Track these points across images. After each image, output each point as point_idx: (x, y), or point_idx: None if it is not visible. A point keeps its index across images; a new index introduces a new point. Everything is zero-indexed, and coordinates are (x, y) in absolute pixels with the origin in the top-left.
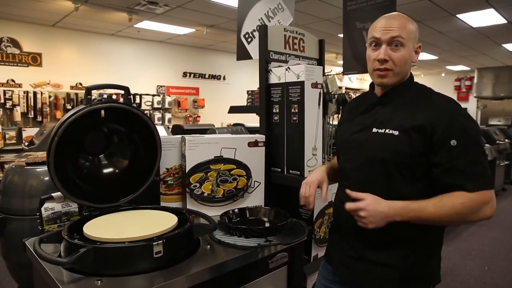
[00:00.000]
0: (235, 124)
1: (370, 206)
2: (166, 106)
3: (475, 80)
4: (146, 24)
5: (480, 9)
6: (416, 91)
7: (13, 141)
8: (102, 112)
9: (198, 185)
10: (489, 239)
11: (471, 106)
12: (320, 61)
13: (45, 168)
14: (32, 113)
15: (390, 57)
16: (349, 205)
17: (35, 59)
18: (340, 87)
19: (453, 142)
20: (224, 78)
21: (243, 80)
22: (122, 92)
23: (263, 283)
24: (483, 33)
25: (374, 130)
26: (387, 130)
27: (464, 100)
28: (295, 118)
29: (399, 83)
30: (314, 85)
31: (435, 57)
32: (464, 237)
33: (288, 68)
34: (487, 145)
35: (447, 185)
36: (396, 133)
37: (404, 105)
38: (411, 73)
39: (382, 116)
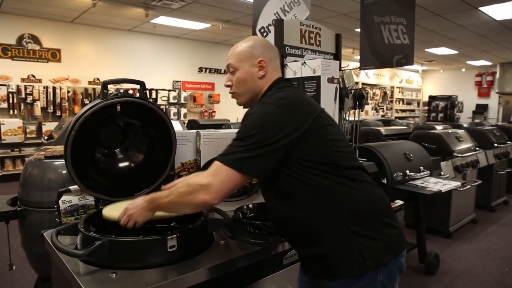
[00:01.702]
0: None
1: (129, 205)
2: (182, 101)
3: (497, 75)
4: (162, 20)
5: (504, 1)
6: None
7: (33, 135)
8: (118, 106)
9: None
10: (509, 239)
11: (492, 103)
12: (337, 56)
13: (63, 161)
14: (52, 107)
15: (232, 81)
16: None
17: (54, 55)
18: (357, 83)
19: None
20: None
21: None
22: (138, 87)
23: (277, 279)
24: (507, 26)
25: None
26: None
27: (485, 96)
28: None
29: (253, 100)
30: (331, 80)
31: (455, 52)
32: (484, 236)
33: (304, 62)
34: (509, 142)
35: None
36: None
37: None
38: (271, 86)
39: None
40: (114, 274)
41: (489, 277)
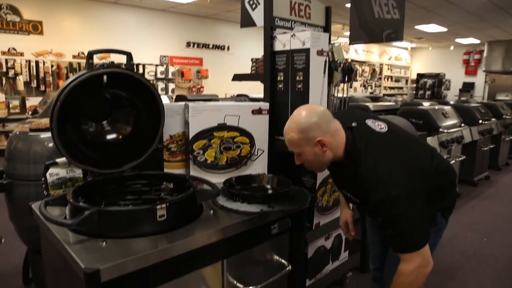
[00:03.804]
0: (239, 95)
1: None
2: (170, 76)
3: (485, 54)
4: None
5: None
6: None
7: (17, 110)
8: (105, 77)
9: (201, 152)
10: (490, 213)
11: (479, 81)
12: (327, 29)
13: (48, 134)
14: (35, 82)
15: (302, 161)
16: None
17: (35, 27)
18: (346, 59)
19: None
20: (228, 49)
21: (247, 51)
22: (124, 59)
23: (266, 248)
24: (496, 3)
25: None
26: None
27: (472, 74)
28: (299, 86)
29: (334, 161)
30: (320, 53)
31: (444, 29)
32: (465, 210)
33: (294, 34)
34: (493, 119)
35: None
36: None
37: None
38: (346, 145)
39: None
40: (104, 243)
41: (469, 248)
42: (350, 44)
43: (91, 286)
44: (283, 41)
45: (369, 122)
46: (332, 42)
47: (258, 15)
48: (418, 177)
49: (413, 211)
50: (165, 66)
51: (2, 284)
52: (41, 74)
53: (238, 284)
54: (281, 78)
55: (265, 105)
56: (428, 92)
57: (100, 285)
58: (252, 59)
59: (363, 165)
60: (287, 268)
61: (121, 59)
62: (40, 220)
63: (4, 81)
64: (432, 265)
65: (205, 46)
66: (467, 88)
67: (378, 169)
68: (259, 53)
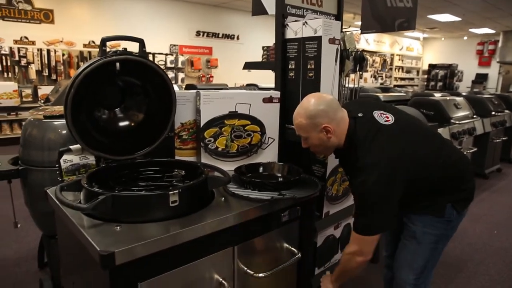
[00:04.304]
0: (249, 85)
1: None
2: (179, 65)
3: (500, 44)
4: None
5: None
6: None
7: (29, 99)
8: (117, 64)
9: (212, 140)
10: (501, 205)
11: (492, 72)
12: (338, 17)
13: (62, 121)
14: (47, 71)
15: (308, 145)
16: None
17: (47, 16)
18: (357, 48)
19: None
20: (238, 38)
21: (257, 40)
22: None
23: (275, 236)
24: None
25: None
26: None
27: (486, 65)
28: (311, 74)
29: (339, 148)
30: (332, 41)
31: (458, 19)
32: (476, 202)
33: (305, 22)
34: (507, 111)
35: None
36: None
37: None
38: (348, 133)
39: None
40: (118, 227)
41: (478, 240)
42: (361, 33)
43: (106, 268)
44: (295, 29)
45: (376, 113)
46: (344, 29)
47: (269, 3)
48: (408, 171)
49: (381, 204)
50: (174, 55)
51: (18, 269)
52: (53, 63)
53: (249, 271)
54: (292, 67)
55: (276, 94)
56: (439, 84)
57: (115, 267)
58: (263, 47)
59: (359, 154)
60: (297, 256)
61: (133, 48)
62: (55, 204)
63: (16, 70)
64: (366, 260)
65: (215, 35)
66: (480, 79)
67: (366, 157)
68: (268, 42)
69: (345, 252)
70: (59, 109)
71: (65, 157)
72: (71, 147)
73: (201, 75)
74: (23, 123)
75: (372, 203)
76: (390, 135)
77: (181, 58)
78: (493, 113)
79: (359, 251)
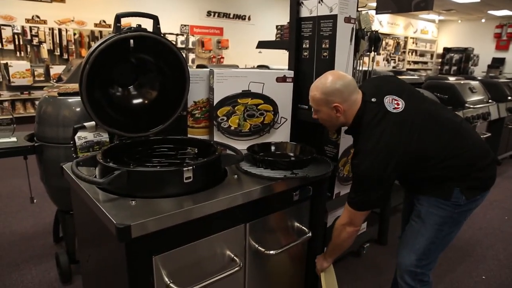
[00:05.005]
0: (260, 66)
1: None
2: (190, 46)
3: None
4: None
5: None
6: None
7: (42, 78)
8: (131, 41)
9: (225, 118)
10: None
11: (510, 56)
12: None
13: (76, 99)
14: (58, 50)
15: (317, 116)
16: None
17: None
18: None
19: None
20: (249, 19)
21: (268, 22)
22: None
23: (287, 215)
24: None
25: None
26: None
27: (504, 49)
28: (325, 53)
29: (347, 125)
30: (347, 20)
31: (477, 0)
32: None
33: (321, 0)
34: None
35: None
36: None
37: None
38: (355, 116)
39: None
40: (133, 202)
41: (488, 225)
42: (376, 13)
43: (123, 241)
44: (310, 7)
45: (388, 98)
46: (359, 8)
47: None
48: (403, 161)
49: (374, 185)
50: (185, 36)
51: (34, 243)
52: (64, 42)
53: (260, 248)
54: (306, 46)
55: (290, 73)
56: (454, 68)
57: (131, 240)
58: (277, 26)
59: (360, 137)
60: (308, 235)
61: (145, 26)
62: (72, 179)
63: (29, 49)
64: (356, 230)
65: (226, 15)
66: (497, 63)
67: (365, 142)
68: (280, 23)
69: (337, 224)
70: (73, 86)
71: (79, 134)
72: (85, 124)
73: (212, 56)
74: (37, 101)
75: (366, 184)
76: (394, 122)
77: (191, 39)
78: (510, 97)
79: (350, 222)
